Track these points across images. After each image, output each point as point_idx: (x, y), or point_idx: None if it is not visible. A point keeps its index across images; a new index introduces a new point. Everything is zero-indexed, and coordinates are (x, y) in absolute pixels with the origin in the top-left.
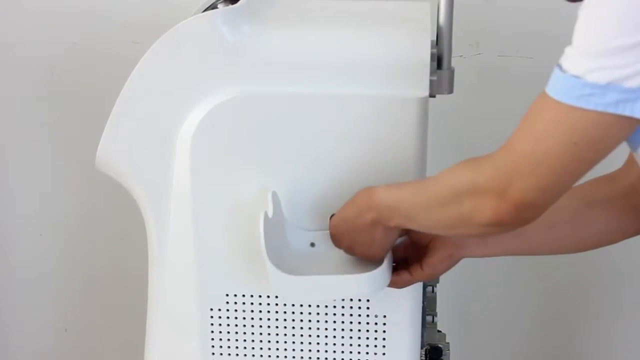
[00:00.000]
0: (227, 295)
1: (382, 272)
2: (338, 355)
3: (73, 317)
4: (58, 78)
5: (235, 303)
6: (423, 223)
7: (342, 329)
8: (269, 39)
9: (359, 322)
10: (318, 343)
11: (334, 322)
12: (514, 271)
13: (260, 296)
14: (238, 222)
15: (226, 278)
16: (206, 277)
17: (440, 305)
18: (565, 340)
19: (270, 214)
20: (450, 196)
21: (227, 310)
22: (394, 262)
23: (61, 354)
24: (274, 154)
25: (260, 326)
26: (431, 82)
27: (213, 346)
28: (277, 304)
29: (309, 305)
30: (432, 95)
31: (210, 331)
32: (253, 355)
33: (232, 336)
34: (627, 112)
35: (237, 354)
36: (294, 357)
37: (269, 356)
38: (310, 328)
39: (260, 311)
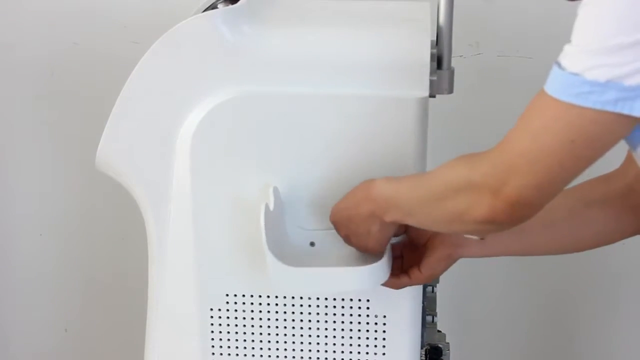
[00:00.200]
0: (227, 295)
1: (382, 265)
2: (338, 356)
3: (73, 317)
4: (58, 78)
5: (235, 303)
6: (419, 218)
7: (342, 329)
8: (269, 39)
9: (359, 322)
10: (318, 343)
11: (334, 322)
12: (514, 271)
13: (260, 296)
14: (238, 221)
15: (226, 278)
16: (206, 277)
17: (440, 305)
18: (565, 340)
19: (271, 207)
20: (446, 192)
21: (227, 310)
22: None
23: (61, 354)
24: (274, 154)
25: (260, 326)
26: (431, 82)
27: (213, 346)
28: (277, 304)
29: (309, 306)
30: (432, 95)
31: (210, 331)
32: (253, 356)
33: (232, 336)
34: (625, 111)
35: (237, 354)
36: (294, 357)
37: (269, 356)
38: (310, 328)
39: (260, 311)
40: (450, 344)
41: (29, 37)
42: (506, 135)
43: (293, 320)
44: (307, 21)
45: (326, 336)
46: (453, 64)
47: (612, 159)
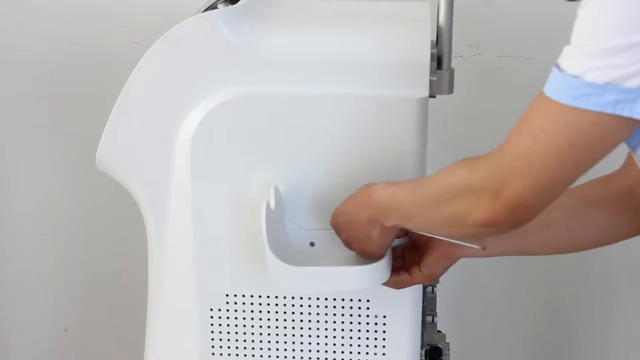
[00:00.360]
0: (227, 295)
1: (382, 265)
2: (338, 356)
3: (73, 317)
4: (58, 78)
5: (235, 303)
6: (419, 222)
7: (342, 329)
8: (269, 39)
9: (359, 322)
10: (318, 343)
11: (334, 322)
12: (514, 271)
13: (260, 296)
14: (238, 221)
15: (226, 278)
16: (206, 277)
17: (440, 305)
18: (565, 340)
19: (272, 205)
20: (445, 195)
21: (227, 310)
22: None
23: (61, 354)
24: (274, 154)
25: (260, 326)
26: (431, 82)
27: (213, 346)
28: (277, 304)
29: (309, 306)
30: (432, 96)
31: (210, 331)
32: (253, 356)
33: (232, 336)
34: (625, 113)
35: (237, 354)
36: (294, 357)
37: (269, 356)
38: (310, 328)
39: (260, 311)
40: (450, 344)
41: (28, 37)
42: (506, 138)
43: (293, 320)
44: (307, 21)
45: (326, 336)
46: (453, 64)
47: (613, 160)
